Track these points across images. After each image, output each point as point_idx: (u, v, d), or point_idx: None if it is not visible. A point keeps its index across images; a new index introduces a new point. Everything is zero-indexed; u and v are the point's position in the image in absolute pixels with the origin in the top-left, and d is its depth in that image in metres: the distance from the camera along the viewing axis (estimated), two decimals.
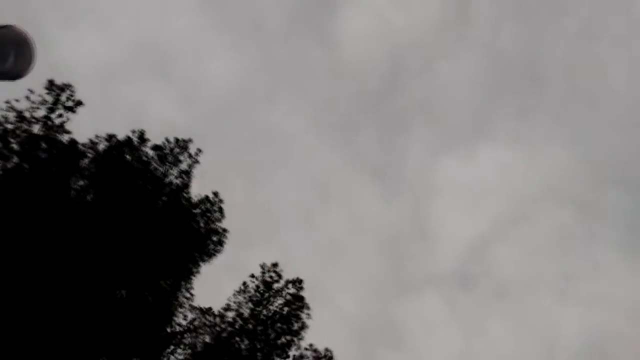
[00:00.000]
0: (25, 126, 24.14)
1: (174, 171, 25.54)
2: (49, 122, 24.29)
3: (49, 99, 25.08)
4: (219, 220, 26.31)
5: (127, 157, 24.76)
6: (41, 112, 24.43)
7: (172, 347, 26.53)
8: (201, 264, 27.28)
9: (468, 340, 55.62)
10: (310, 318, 25.40)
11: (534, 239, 66.46)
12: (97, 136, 24.82)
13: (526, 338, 56.87)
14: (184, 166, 25.75)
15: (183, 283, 27.26)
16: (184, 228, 26.78)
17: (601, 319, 58.18)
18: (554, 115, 69.64)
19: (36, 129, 23.84)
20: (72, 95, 25.18)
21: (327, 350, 25.29)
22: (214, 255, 27.26)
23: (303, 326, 25.32)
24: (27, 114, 24.49)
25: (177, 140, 25.64)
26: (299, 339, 24.89)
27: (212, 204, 26.22)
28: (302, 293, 25.79)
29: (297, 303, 25.62)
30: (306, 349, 24.13)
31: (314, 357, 24.33)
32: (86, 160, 23.45)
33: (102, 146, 23.74)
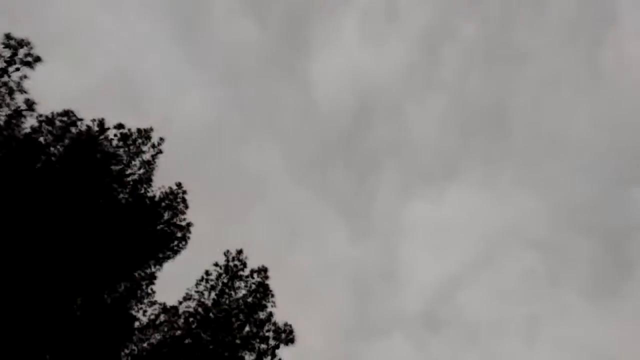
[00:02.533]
0: None
1: (137, 162, 24.70)
2: (6, 77, 23.33)
3: (6, 53, 24.23)
4: (183, 213, 25.94)
5: (88, 150, 24.28)
6: None
7: (131, 344, 26.08)
8: (164, 261, 26.99)
9: None
10: (275, 307, 25.50)
11: (501, 281, 67.51)
12: (54, 116, 23.65)
13: None
14: (146, 156, 24.86)
15: (144, 283, 26.94)
16: (147, 225, 26.29)
17: None
18: (519, 160, 71.07)
19: None
20: (30, 52, 24.26)
21: (286, 324, 25.10)
22: (178, 252, 26.85)
23: (269, 316, 25.25)
24: None
25: (139, 130, 25.00)
26: (266, 331, 24.80)
27: (175, 195, 25.89)
28: (267, 282, 25.91)
29: (262, 291, 25.62)
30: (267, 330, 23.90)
31: (273, 331, 24.15)
32: (43, 157, 22.81)
33: (61, 141, 23.10)
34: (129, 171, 24.03)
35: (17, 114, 22.79)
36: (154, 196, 25.21)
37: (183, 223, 26.11)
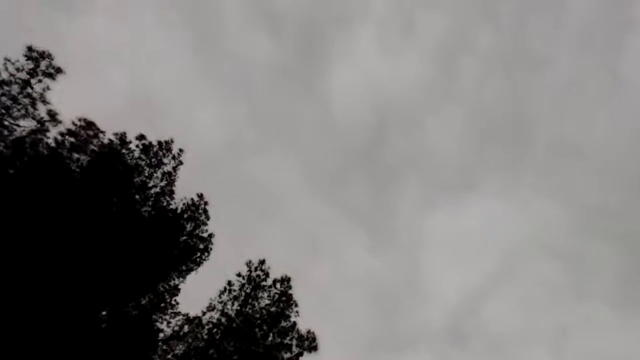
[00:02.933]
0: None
1: (158, 173, 24.70)
2: (29, 89, 23.55)
3: (29, 64, 24.26)
4: (205, 224, 26.04)
5: (110, 162, 24.54)
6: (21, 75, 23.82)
7: (155, 356, 26.10)
8: (187, 273, 27.06)
9: None
10: (299, 316, 25.42)
11: (524, 292, 66.20)
12: (77, 128, 23.86)
13: None
14: (167, 168, 24.95)
15: (167, 295, 27.04)
16: (169, 237, 26.42)
17: None
18: (540, 167, 69.96)
19: (15, 91, 23.63)
20: (51, 63, 24.43)
21: (309, 332, 24.96)
22: (201, 263, 26.92)
23: (293, 326, 25.14)
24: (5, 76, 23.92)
25: (159, 142, 25.02)
26: (289, 339, 24.66)
27: (197, 206, 26.00)
28: (291, 291, 25.88)
29: (285, 301, 25.53)
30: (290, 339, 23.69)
31: (297, 339, 23.99)
32: (66, 170, 23.07)
33: (84, 152, 23.43)
34: (150, 183, 24.17)
35: (41, 125, 23.13)
36: (176, 208, 25.33)
37: (205, 235, 26.18)
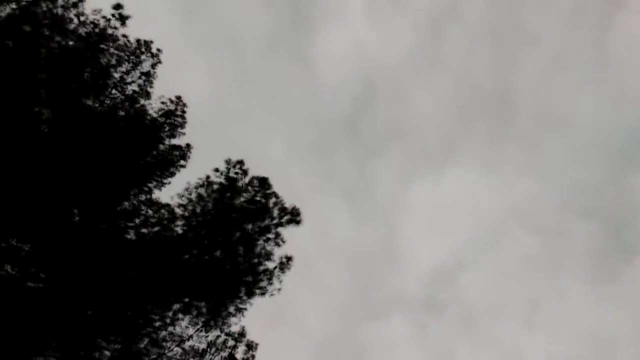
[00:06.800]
0: None
1: (136, 73, 23.74)
2: None
3: None
4: (182, 126, 25.82)
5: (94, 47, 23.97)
6: None
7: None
8: (162, 185, 26.79)
9: None
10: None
11: (500, 265, 67.26)
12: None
13: None
14: (146, 66, 23.86)
15: (143, 207, 26.73)
16: (147, 144, 26.21)
17: (566, 347, 59.09)
18: (523, 142, 71.19)
19: None
20: None
21: (294, 207, 25.10)
22: (177, 172, 26.71)
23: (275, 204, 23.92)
24: None
25: (138, 41, 23.56)
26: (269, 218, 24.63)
27: (175, 109, 25.68)
28: (270, 189, 25.59)
29: (265, 194, 24.21)
30: None
31: (279, 209, 23.44)
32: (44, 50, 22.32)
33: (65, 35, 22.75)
34: (129, 79, 23.90)
35: None
36: (154, 113, 25.02)
37: (182, 143, 25.94)
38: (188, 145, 25.84)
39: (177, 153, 25.40)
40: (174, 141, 25.55)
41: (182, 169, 25.58)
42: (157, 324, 23.13)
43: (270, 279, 24.04)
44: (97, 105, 23.71)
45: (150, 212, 24.98)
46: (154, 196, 26.62)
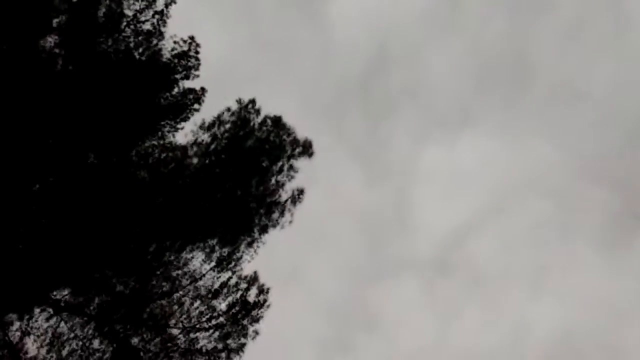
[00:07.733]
0: None
1: (149, 11, 23.48)
2: None
3: None
4: (196, 68, 25.54)
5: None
6: None
7: None
8: (175, 130, 26.66)
9: (443, 326, 56.35)
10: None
11: (513, 230, 66.70)
12: None
13: (499, 328, 57.40)
14: (159, 4, 22.94)
15: (156, 152, 26.68)
16: (161, 83, 25.95)
17: (573, 313, 58.81)
18: (538, 109, 70.09)
19: None
20: None
21: (306, 140, 23.98)
22: (190, 115, 26.50)
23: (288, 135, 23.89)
24: None
25: None
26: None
27: (188, 50, 25.38)
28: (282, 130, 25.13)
29: (278, 133, 24.23)
30: None
31: (290, 142, 23.14)
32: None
33: None
34: (142, 17, 23.65)
35: None
36: (168, 54, 24.72)
37: (197, 86, 25.66)
38: (202, 89, 25.48)
39: (191, 96, 25.12)
40: (188, 83, 25.22)
41: (195, 113, 25.29)
42: (171, 260, 23.18)
43: (282, 212, 24.00)
44: (110, 43, 23.48)
45: (164, 154, 24.91)
46: (167, 140, 26.46)
